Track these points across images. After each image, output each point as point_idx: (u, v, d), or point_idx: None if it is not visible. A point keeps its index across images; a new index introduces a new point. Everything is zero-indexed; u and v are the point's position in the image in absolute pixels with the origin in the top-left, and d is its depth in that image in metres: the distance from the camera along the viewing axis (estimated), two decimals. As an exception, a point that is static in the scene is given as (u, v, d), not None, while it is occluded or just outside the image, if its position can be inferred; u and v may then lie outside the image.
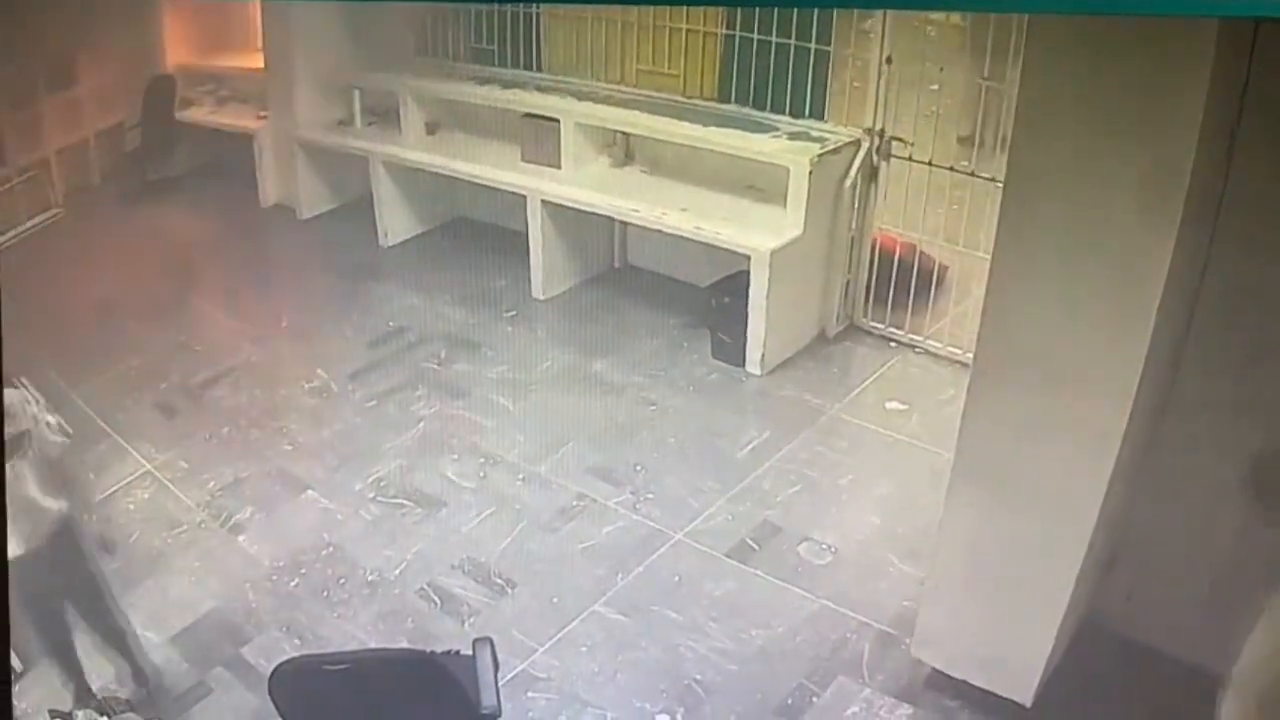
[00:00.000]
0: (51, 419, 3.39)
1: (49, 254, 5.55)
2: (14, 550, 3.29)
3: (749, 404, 5.10)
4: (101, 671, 3.72)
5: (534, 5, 6.22)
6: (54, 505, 3.35)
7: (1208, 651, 3.37)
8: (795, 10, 5.28)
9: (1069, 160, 2.78)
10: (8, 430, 3.22)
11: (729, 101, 5.65)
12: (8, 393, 3.24)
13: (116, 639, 3.60)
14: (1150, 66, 2.59)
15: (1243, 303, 3.07)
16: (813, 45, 5.28)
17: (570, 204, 5.65)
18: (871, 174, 5.25)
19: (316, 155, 6.68)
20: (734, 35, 5.52)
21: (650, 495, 4.47)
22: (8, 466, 3.23)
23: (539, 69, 6.29)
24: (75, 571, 3.46)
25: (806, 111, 5.40)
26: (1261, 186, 2.89)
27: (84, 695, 3.56)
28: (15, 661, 3.65)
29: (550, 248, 5.82)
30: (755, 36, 5.43)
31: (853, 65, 5.19)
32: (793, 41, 5.32)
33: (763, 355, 5.23)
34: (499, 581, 4.10)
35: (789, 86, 5.42)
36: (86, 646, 3.80)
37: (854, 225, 5.33)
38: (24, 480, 3.28)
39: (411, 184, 6.40)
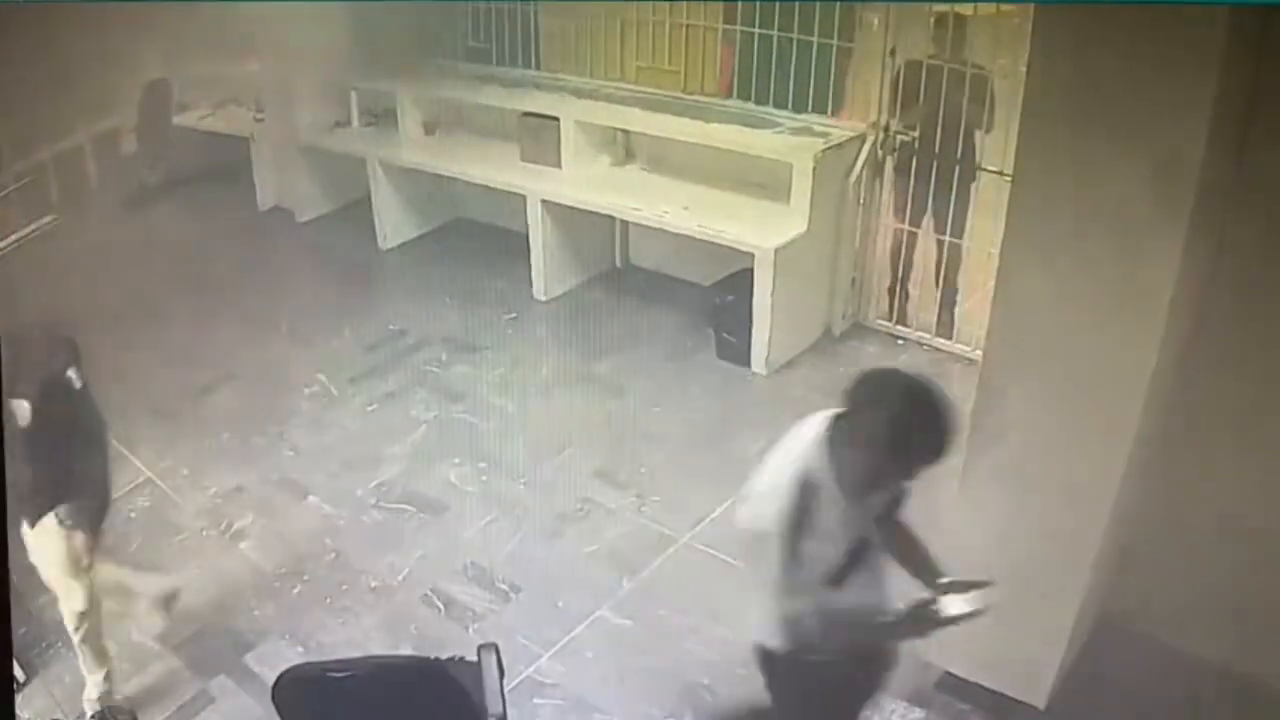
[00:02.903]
0: None
1: (46, 260, 5.53)
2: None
3: (755, 404, 5.05)
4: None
5: (531, 3, 6.20)
6: None
7: (1226, 650, 3.34)
8: (797, 4, 5.24)
9: (1078, 153, 2.73)
10: None
11: (731, 97, 5.61)
12: None
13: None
14: (1158, 57, 2.55)
15: (1255, 293, 3.02)
16: (815, 39, 5.23)
17: (571, 203, 5.60)
18: (877, 169, 5.20)
19: (314, 157, 6.65)
20: (734, 30, 5.47)
21: (655, 498, 4.43)
22: None
23: (537, 67, 6.25)
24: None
25: (810, 106, 5.36)
26: (1273, 177, 2.84)
27: None
28: (18, 671, 3.62)
29: (551, 248, 5.78)
30: (756, 31, 5.38)
31: (857, 59, 5.15)
32: (795, 36, 5.27)
33: (768, 355, 5.18)
34: (503, 587, 4.06)
35: (791, 81, 5.37)
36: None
37: (859, 221, 5.29)
38: None
39: (410, 185, 6.37)
